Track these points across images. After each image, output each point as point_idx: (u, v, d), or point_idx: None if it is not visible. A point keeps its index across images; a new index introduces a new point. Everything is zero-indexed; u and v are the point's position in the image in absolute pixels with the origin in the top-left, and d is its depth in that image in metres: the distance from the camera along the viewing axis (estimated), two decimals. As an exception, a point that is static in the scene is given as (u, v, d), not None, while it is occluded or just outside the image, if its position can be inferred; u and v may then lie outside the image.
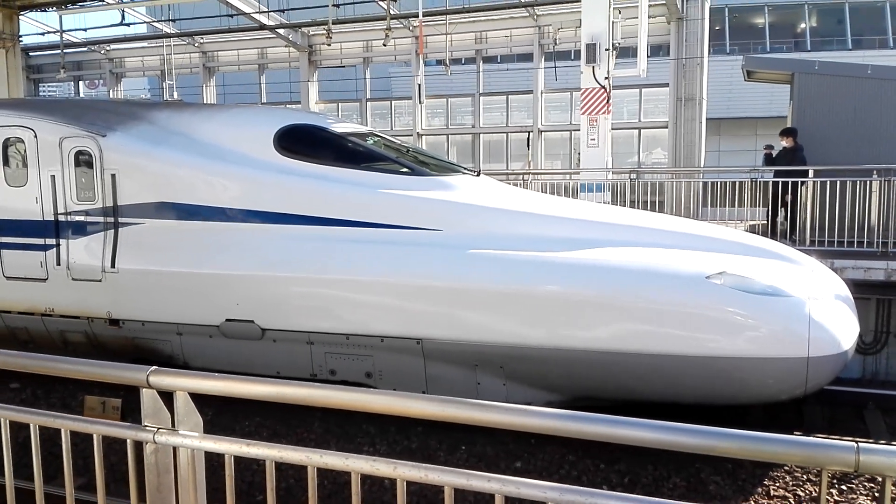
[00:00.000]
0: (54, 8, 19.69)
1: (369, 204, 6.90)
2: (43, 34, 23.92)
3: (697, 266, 5.97)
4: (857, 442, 2.06)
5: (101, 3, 20.00)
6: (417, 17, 17.66)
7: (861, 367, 10.21)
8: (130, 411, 6.26)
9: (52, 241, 7.65)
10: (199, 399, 2.80)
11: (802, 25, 32.16)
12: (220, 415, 6.79)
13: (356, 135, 7.98)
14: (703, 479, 5.66)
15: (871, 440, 6.48)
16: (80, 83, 27.61)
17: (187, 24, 22.89)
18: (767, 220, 11.63)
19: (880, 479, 2.06)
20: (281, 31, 21.63)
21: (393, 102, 24.10)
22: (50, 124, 7.71)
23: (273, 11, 21.13)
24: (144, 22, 24.22)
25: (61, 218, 7.63)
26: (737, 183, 11.70)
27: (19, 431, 3.03)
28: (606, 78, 13.22)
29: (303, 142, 7.54)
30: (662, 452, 5.33)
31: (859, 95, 11.62)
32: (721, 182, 12.15)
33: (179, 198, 7.29)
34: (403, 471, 2.43)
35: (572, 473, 5.87)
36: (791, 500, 5.38)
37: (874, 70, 12.37)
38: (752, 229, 11.06)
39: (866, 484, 5.43)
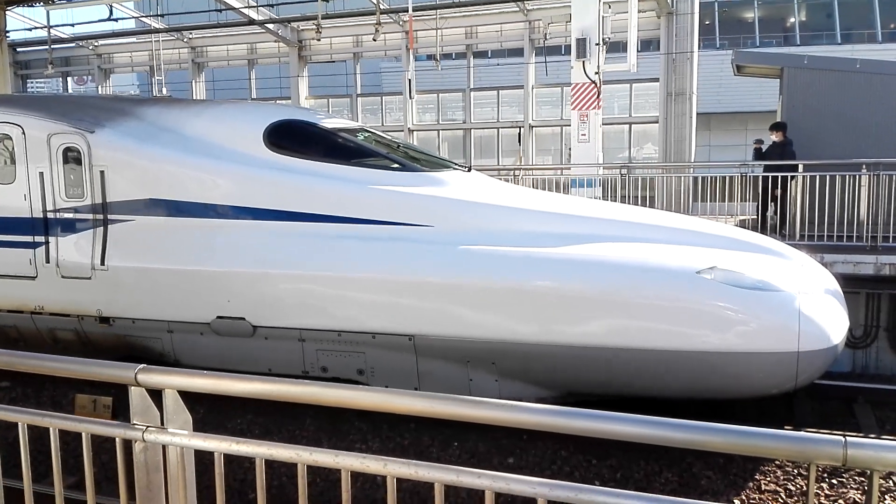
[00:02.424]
0: (41, 3, 19.52)
1: (360, 200, 6.88)
2: (30, 29, 23.76)
3: (688, 261, 5.98)
4: (844, 436, 2.06)
5: (89, -2, 19.89)
6: (407, 11, 17.60)
7: (851, 362, 10.27)
8: (123, 410, 6.24)
9: (40, 239, 7.60)
10: (191, 396, 2.79)
11: (792, 20, 32.26)
12: (211, 412, 6.77)
13: (347, 130, 7.95)
14: (695, 474, 5.68)
15: (860, 434, 6.51)
16: (69, 79, 27.43)
17: (176, 19, 22.75)
18: (757, 215, 11.67)
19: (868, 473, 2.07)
20: (270, 25, 21.55)
21: (383, 98, 24.06)
22: (38, 121, 7.64)
23: (262, 6, 21.04)
24: (133, 17, 24.10)
25: (50, 215, 7.58)
26: (727, 178, 11.74)
27: (8, 431, 3.01)
28: (597, 73, 13.23)
29: (293, 138, 7.51)
30: (654, 447, 5.35)
31: (848, 90, 11.66)
32: (711, 177, 12.22)
33: (169, 194, 7.25)
34: (394, 468, 2.43)
35: (564, 469, 5.88)
36: (782, 495, 5.41)
37: (863, 64, 12.42)
38: (743, 224, 11.09)
39: (857, 478, 5.45)
